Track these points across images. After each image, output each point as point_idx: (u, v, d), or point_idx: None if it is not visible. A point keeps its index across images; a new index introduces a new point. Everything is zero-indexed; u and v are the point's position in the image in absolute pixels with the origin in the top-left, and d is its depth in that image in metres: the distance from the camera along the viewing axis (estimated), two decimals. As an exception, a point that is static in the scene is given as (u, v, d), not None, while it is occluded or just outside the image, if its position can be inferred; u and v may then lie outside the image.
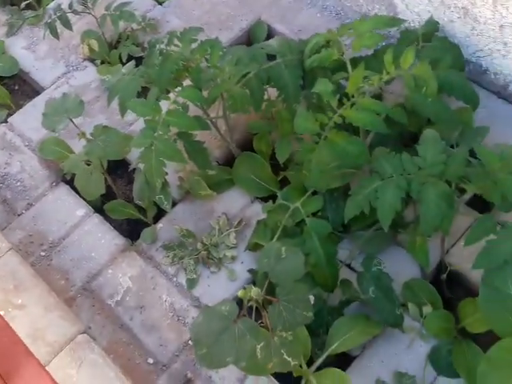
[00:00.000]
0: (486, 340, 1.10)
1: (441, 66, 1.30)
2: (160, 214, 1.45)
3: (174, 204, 1.45)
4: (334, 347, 1.16)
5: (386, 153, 1.15)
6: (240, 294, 1.02)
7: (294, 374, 1.14)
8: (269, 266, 1.06)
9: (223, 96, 1.32)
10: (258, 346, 1.01)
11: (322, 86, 1.15)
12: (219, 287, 1.32)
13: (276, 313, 0.98)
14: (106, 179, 1.40)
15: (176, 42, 1.32)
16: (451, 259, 1.29)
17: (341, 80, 1.27)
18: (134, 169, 1.40)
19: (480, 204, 1.25)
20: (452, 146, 1.31)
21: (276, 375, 1.19)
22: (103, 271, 1.37)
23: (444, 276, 1.26)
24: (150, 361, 1.24)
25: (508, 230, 1.08)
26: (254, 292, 1.00)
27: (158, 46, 1.30)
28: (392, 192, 1.10)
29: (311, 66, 1.26)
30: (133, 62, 1.43)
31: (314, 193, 1.29)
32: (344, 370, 1.16)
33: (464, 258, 1.24)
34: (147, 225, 1.44)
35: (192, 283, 1.33)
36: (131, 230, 1.47)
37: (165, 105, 1.24)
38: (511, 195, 1.11)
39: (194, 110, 1.35)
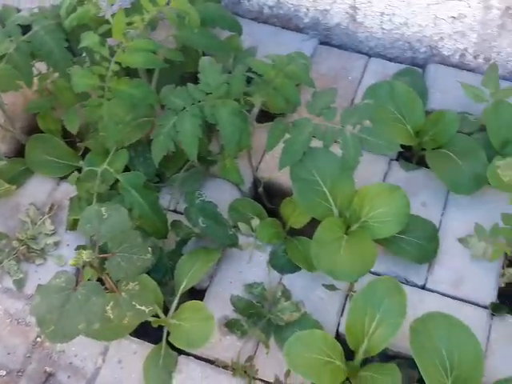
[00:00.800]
0: (312, 230, 1.20)
1: (196, 0, 1.36)
2: (-41, 229, 1.31)
3: (-28, 214, 1.32)
4: (184, 286, 1.18)
5: (173, 88, 1.18)
6: (72, 262, 0.97)
7: (154, 325, 1.14)
8: (93, 229, 1.03)
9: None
10: (108, 307, 0.99)
11: (89, 39, 1.13)
12: (51, 277, 1.24)
13: (115, 265, 0.97)
14: None
15: None
16: (262, 174, 1.38)
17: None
18: None
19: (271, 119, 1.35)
20: (230, 73, 1.38)
21: (137, 335, 1.18)
22: None
23: (260, 189, 1.35)
24: (3, 373, 1.14)
25: (298, 126, 1.18)
26: (86, 255, 0.97)
27: None
28: (189, 121, 1.13)
29: (71, 25, 1.21)
30: None
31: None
32: (200, 302, 1.19)
33: (272, 169, 1.34)
34: (-52, 245, 1.29)
35: (20, 283, 1.24)
36: None
37: None
38: (291, 96, 1.23)
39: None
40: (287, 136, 1.19)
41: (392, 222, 1.19)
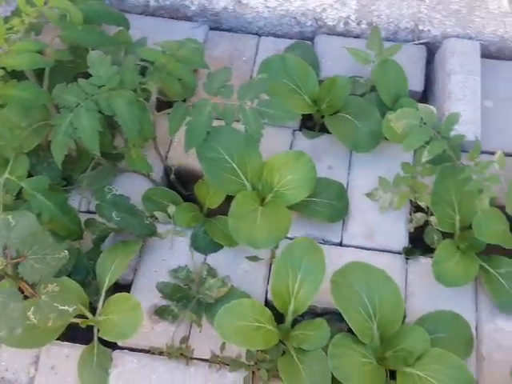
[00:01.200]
0: (229, 207, 1.21)
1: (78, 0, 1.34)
2: None
3: None
4: (107, 283, 1.17)
5: (64, 86, 1.16)
6: (-18, 273, 0.95)
7: (83, 326, 1.13)
8: (2, 238, 1.00)
9: None
10: (30, 312, 0.97)
11: (-33, 47, 1.09)
12: (-32, 298, 1.20)
13: (28, 268, 0.95)
14: None
15: None
16: (172, 161, 1.39)
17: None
18: None
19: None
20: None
21: (67, 340, 1.16)
22: None
23: (172, 177, 1.36)
24: None
25: (198, 107, 1.20)
26: (-4, 263, 0.95)
27: None
28: (86, 117, 1.12)
29: None
30: None
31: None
32: (127, 295, 1.19)
33: (182, 155, 1.35)
34: None
35: None
36: None
37: None
38: (186, 79, 1.24)
39: None
40: (189, 119, 1.21)
41: (301, 187, 1.23)
